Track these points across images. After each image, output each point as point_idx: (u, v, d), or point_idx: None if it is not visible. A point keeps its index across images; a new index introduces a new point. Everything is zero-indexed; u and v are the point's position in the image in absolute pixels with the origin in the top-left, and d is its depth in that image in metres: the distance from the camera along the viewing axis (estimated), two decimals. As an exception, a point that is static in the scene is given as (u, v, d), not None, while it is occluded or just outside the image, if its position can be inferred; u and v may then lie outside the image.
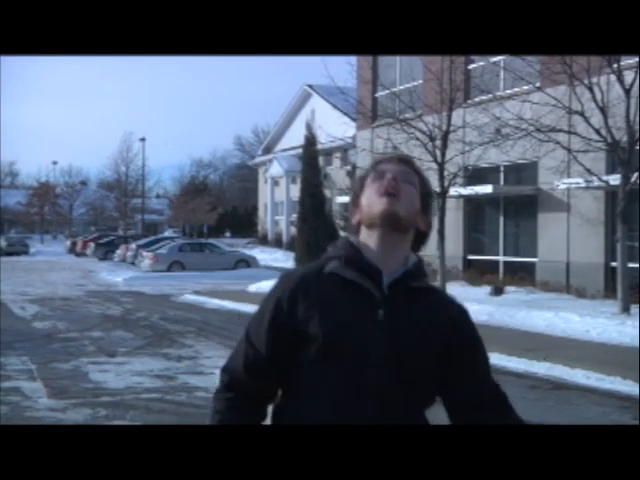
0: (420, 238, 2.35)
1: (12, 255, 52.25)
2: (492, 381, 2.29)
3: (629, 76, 15.83)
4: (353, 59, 24.85)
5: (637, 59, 15.72)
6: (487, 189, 22.07)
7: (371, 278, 2.19)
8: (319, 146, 34.30)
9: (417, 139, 20.81)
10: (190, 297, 23.33)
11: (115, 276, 32.38)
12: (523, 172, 22.70)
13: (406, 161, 2.37)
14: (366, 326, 2.15)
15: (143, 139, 64.15)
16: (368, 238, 2.26)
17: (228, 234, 69.25)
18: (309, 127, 33.01)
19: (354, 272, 2.20)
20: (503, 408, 2.25)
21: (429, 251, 23.20)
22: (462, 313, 2.30)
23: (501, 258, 23.05)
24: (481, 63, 22.73)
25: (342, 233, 35.76)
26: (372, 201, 2.24)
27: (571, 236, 20.55)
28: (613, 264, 18.34)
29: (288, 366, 2.21)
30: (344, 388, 2.13)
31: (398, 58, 26.81)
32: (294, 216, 39.44)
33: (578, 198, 20.09)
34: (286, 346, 2.21)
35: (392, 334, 2.16)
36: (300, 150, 34.81)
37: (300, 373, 2.19)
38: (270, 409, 2.27)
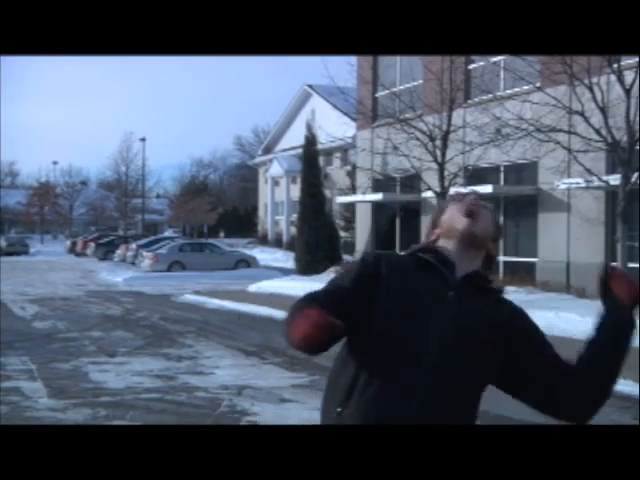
0: (488, 262, 2.59)
1: (12, 255, 52.24)
2: (561, 361, 2.41)
3: (629, 76, 15.82)
4: (353, 59, 24.86)
5: (637, 59, 15.71)
6: (487, 189, 22.05)
7: (446, 265, 2.45)
8: (319, 146, 34.34)
9: (417, 139, 20.81)
10: (190, 297, 23.33)
11: (115, 276, 32.38)
12: (523, 172, 22.70)
13: (481, 198, 2.64)
14: (436, 302, 2.37)
15: (143, 139, 64.17)
16: (446, 245, 2.53)
17: (222, 234, 68.97)
18: (309, 127, 33.06)
19: (433, 258, 2.47)
20: (574, 372, 2.35)
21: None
22: (519, 312, 2.50)
23: (501, 258, 23.05)
24: (481, 63, 22.72)
25: (342, 233, 35.84)
26: (454, 217, 2.52)
27: (571, 236, 20.55)
28: (613, 264, 18.34)
29: (358, 315, 2.36)
30: (405, 362, 2.30)
31: (398, 58, 26.81)
32: (294, 216, 39.50)
33: (578, 198, 20.08)
34: (364, 296, 2.38)
35: (458, 314, 2.36)
36: (300, 150, 34.85)
37: (368, 340, 2.36)
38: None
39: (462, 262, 2.47)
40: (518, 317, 2.47)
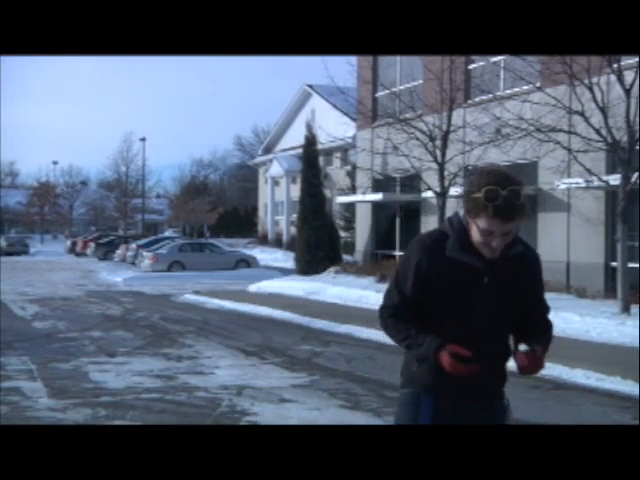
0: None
1: (12, 255, 52.24)
2: (544, 313, 3.57)
3: (629, 76, 15.83)
4: (353, 59, 24.86)
5: (637, 59, 15.71)
6: (487, 189, 22.02)
7: (478, 257, 3.14)
8: (319, 146, 34.34)
9: (417, 139, 20.82)
10: (190, 297, 23.33)
11: (115, 276, 32.37)
12: (523, 172, 22.68)
13: (514, 180, 3.08)
14: (475, 288, 3.17)
15: (143, 139, 64.20)
16: (473, 229, 3.12)
17: (207, 234, 68.21)
18: (309, 127, 33.05)
19: (466, 255, 3.15)
20: (545, 332, 3.46)
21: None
22: (536, 260, 3.46)
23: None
24: (481, 63, 22.72)
25: (342, 233, 35.82)
26: (477, 238, 3.11)
27: (571, 236, 20.55)
28: (613, 264, 18.34)
29: (426, 308, 3.21)
30: (460, 330, 3.14)
31: (398, 58, 26.80)
32: (294, 216, 39.47)
33: (578, 198, 20.08)
34: (424, 293, 3.20)
35: (494, 294, 3.20)
36: (300, 150, 34.83)
37: (431, 317, 3.20)
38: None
39: (488, 244, 3.10)
40: (535, 265, 3.43)
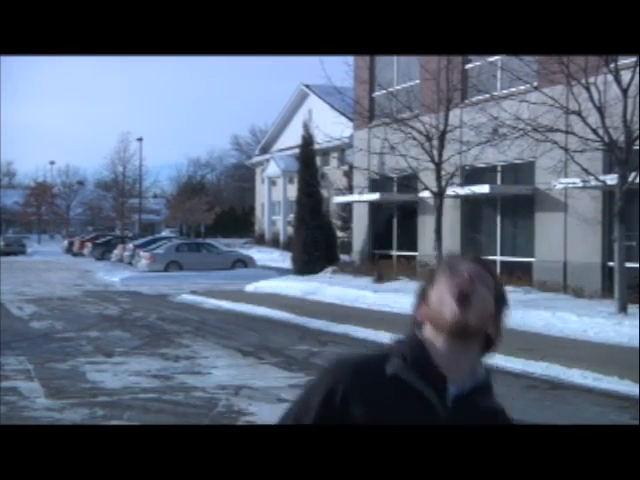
0: (488, 342, 2.14)
1: (9, 255, 52.16)
2: None
3: (626, 76, 15.84)
4: (350, 59, 24.88)
5: (634, 59, 15.73)
6: (484, 189, 22.07)
7: (435, 388, 2.03)
8: (316, 146, 34.33)
9: (414, 139, 20.81)
10: (187, 297, 23.33)
11: (112, 276, 32.36)
12: (520, 172, 22.70)
13: (482, 262, 2.18)
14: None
15: (140, 139, 64.19)
16: (435, 339, 2.08)
17: (203, 233, 67.56)
18: (306, 127, 33.05)
19: (419, 379, 2.03)
20: None
21: (426, 251, 23.03)
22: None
23: (498, 258, 23.06)
24: (478, 63, 22.73)
25: (339, 233, 35.83)
26: (444, 302, 2.06)
27: (568, 236, 20.56)
28: (610, 264, 18.35)
29: None
30: None
31: (395, 58, 26.80)
32: (291, 216, 39.47)
33: (575, 198, 20.09)
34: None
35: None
36: (297, 150, 34.82)
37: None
38: None
39: (456, 361, 2.07)
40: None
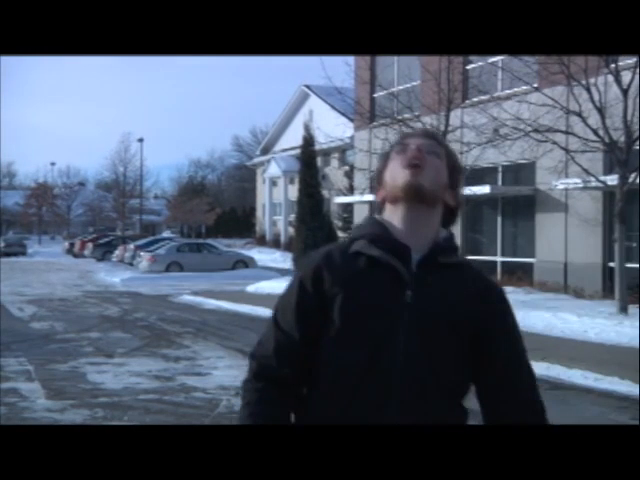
0: (450, 215, 2.20)
1: (10, 256, 52.13)
2: (526, 368, 2.23)
3: (627, 76, 15.84)
4: (351, 59, 24.87)
5: (635, 59, 15.73)
6: (485, 189, 22.07)
7: (398, 256, 2.07)
8: (317, 146, 34.31)
9: (415, 139, 20.78)
10: (188, 298, 23.32)
11: (113, 277, 32.35)
12: (521, 172, 22.71)
13: (432, 135, 2.24)
14: (393, 308, 2.04)
15: (141, 139, 64.16)
16: (393, 215, 2.14)
17: (169, 231, 67.33)
18: (307, 127, 33.02)
19: (381, 250, 2.08)
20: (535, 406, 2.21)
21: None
22: (492, 288, 2.18)
23: (499, 258, 23.06)
24: (479, 63, 22.74)
25: (340, 234, 35.80)
26: (396, 174, 2.12)
27: (569, 236, 20.56)
28: (611, 264, 18.35)
29: (316, 351, 2.10)
30: (367, 376, 2.03)
31: (396, 58, 26.81)
32: (292, 216, 39.45)
33: (576, 198, 20.10)
34: (315, 328, 2.11)
35: (421, 317, 2.04)
36: (298, 150, 34.80)
37: (322, 359, 2.09)
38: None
39: (416, 229, 2.10)
40: (491, 299, 2.16)
